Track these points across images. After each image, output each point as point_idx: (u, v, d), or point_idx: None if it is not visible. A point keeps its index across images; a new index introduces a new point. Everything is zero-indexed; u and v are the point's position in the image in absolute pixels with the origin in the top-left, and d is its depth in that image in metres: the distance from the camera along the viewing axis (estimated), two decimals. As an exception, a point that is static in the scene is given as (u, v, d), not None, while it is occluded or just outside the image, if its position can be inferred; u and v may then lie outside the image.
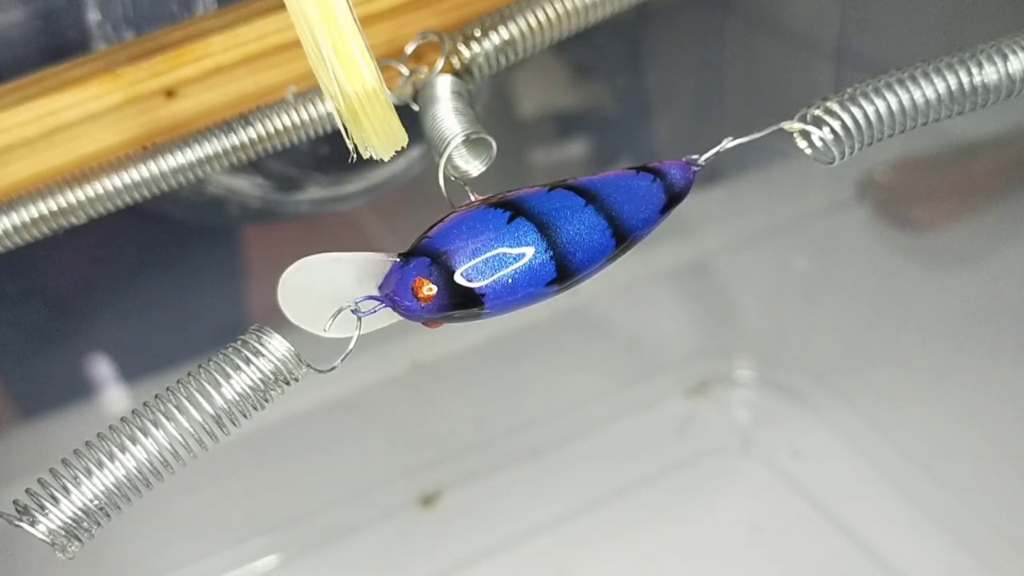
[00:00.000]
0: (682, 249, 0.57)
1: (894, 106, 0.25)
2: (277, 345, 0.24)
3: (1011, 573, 0.47)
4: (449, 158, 0.28)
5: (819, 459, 0.54)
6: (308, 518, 0.51)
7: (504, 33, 0.32)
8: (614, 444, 0.55)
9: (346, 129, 0.25)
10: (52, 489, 0.23)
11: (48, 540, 0.23)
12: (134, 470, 0.23)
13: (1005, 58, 0.25)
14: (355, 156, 0.26)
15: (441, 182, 0.28)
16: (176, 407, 0.23)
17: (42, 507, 0.23)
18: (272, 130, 0.31)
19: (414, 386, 0.54)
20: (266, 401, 0.24)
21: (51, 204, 0.30)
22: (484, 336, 0.54)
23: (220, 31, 0.32)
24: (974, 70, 0.25)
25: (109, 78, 0.31)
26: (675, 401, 0.57)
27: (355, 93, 0.25)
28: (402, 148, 0.26)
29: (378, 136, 0.25)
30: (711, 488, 0.53)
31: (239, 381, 0.24)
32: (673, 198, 0.26)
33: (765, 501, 0.52)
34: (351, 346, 0.25)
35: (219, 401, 0.24)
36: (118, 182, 0.30)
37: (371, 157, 0.26)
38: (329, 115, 0.32)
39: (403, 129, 0.26)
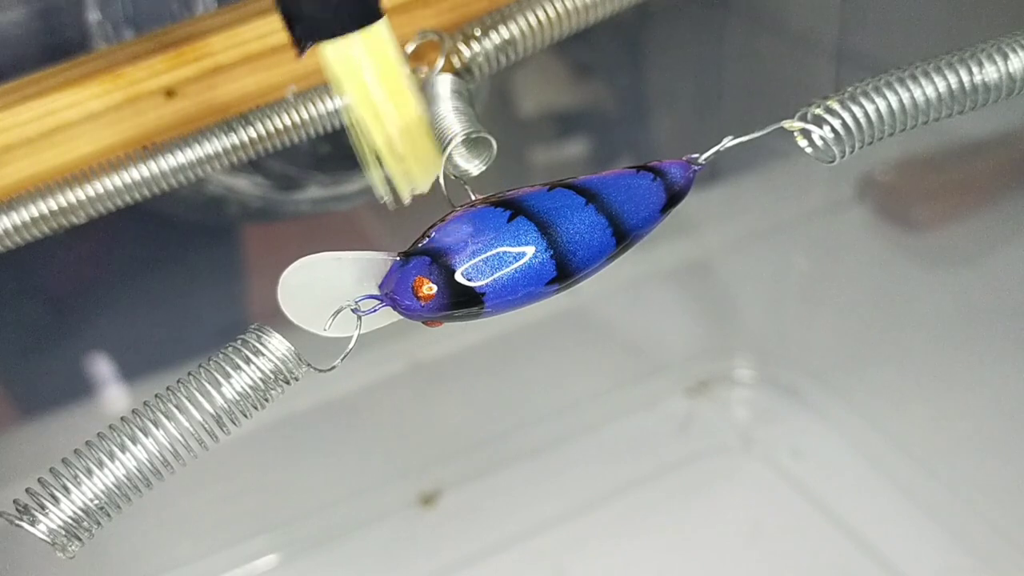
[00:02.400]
0: (682, 248, 0.57)
1: (894, 105, 0.25)
2: (277, 344, 0.24)
3: (1011, 573, 0.47)
4: (449, 157, 0.28)
5: (819, 459, 0.54)
6: (308, 518, 0.51)
7: (504, 32, 0.32)
8: (614, 444, 0.55)
9: (379, 173, 0.26)
10: (52, 488, 0.23)
11: (48, 540, 0.23)
12: (134, 470, 0.23)
13: (1005, 57, 0.25)
14: (393, 201, 0.27)
15: (441, 181, 0.28)
16: (176, 407, 0.23)
17: (42, 506, 0.23)
18: (272, 129, 0.31)
19: (414, 386, 0.54)
20: (266, 401, 0.24)
21: (51, 204, 0.30)
22: (484, 336, 0.54)
23: (220, 31, 0.32)
24: (974, 69, 0.25)
25: (109, 78, 0.31)
26: (675, 401, 0.57)
27: (404, 125, 0.25)
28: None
29: (420, 166, 0.26)
30: (711, 487, 0.53)
31: (239, 381, 0.24)
32: (673, 197, 0.26)
33: (765, 500, 0.52)
34: (351, 346, 0.24)
35: (219, 401, 0.23)
36: (118, 182, 0.30)
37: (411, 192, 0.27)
38: (329, 114, 0.32)
39: (439, 155, 0.27)
